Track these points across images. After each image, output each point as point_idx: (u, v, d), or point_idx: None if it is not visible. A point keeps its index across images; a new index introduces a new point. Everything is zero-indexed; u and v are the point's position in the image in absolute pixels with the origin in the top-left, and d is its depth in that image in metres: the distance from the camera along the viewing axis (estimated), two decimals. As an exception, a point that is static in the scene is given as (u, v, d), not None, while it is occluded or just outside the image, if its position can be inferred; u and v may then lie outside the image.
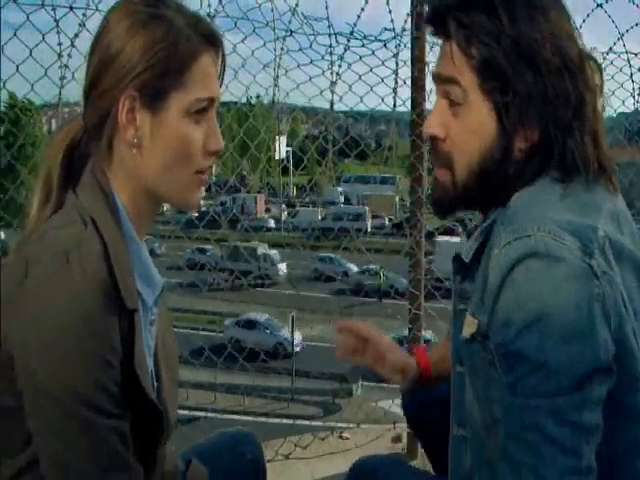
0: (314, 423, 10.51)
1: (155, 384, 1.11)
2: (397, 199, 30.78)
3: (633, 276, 1.00)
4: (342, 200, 33.43)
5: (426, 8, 1.13)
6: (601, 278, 0.93)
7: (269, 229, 30.11)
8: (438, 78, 1.07)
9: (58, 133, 1.10)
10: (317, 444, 2.80)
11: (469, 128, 1.04)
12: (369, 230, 28.69)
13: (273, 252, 26.27)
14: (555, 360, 0.90)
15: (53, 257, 0.91)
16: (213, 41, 1.04)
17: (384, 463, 1.46)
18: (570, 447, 0.90)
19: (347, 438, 2.97)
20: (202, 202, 1.16)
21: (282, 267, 26.41)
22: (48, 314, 0.88)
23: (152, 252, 1.27)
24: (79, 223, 0.96)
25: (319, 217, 28.10)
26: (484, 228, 1.08)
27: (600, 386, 0.92)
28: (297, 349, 21.10)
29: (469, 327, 1.05)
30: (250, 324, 21.09)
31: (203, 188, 1.08)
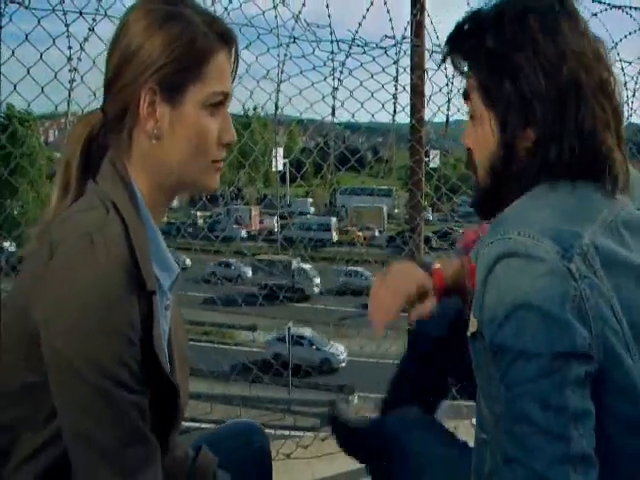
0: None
1: (169, 368, 1.15)
2: (385, 211, 30.98)
3: (635, 285, 1.01)
4: (312, 211, 33.78)
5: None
6: (579, 280, 0.95)
7: (242, 239, 30.19)
8: (464, 95, 1.19)
9: (76, 126, 1.15)
10: (317, 444, 2.83)
11: (480, 135, 1.15)
12: (335, 240, 29.02)
13: (308, 266, 25.79)
14: (533, 345, 0.93)
15: (77, 239, 0.95)
16: (227, 39, 1.10)
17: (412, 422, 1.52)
18: (557, 433, 0.91)
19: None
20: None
21: (317, 281, 25.74)
22: (73, 293, 0.92)
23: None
24: (101, 207, 1.01)
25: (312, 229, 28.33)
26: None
27: (578, 368, 0.93)
28: (342, 364, 20.99)
29: (472, 326, 1.09)
30: (296, 339, 20.66)
31: (219, 174, 1.13)
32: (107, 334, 0.93)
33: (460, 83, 1.21)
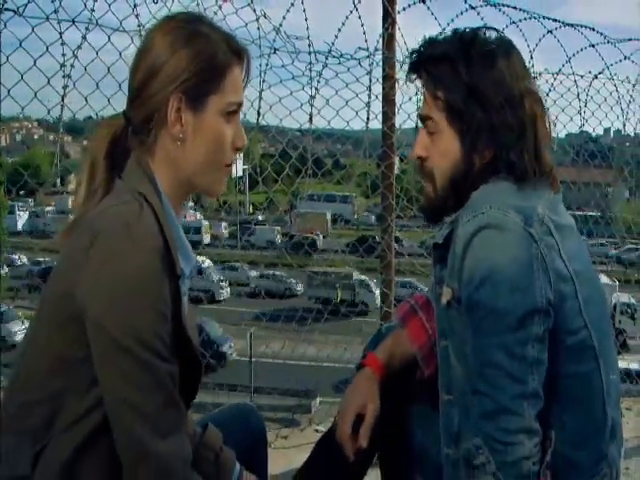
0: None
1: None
2: (329, 217, 31.06)
3: (574, 241, 1.32)
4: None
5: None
6: (539, 242, 1.22)
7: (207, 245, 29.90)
8: (420, 117, 1.40)
9: (100, 129, 1.27)
10: (296, 435, 2.96)
11: (441, 151, 1.36)
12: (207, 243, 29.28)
13: (365, 277, 23.62)
14: (503, 305, 1.19)
15: (118, 228, 1.08)
16: (242, 55, 1.25)
17: None
18: (518, 376, 1.18)
19: (322, 432, 3.11)
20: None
21: (378, 294, 24.19)
22: (116, 275, 1.05)
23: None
24: (134, 201, 1.14)
25: (277, 236, 28.18)
26: (454, 218, 1.36)
27: (539, 326, 1.20)
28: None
29: (445, 296, 1.33)
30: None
31: (227, 179, 1.28)
32: (147, 311, 1.06)
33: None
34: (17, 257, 26.63)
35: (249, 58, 1.27)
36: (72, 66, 2.23)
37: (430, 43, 1.37)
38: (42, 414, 1.11)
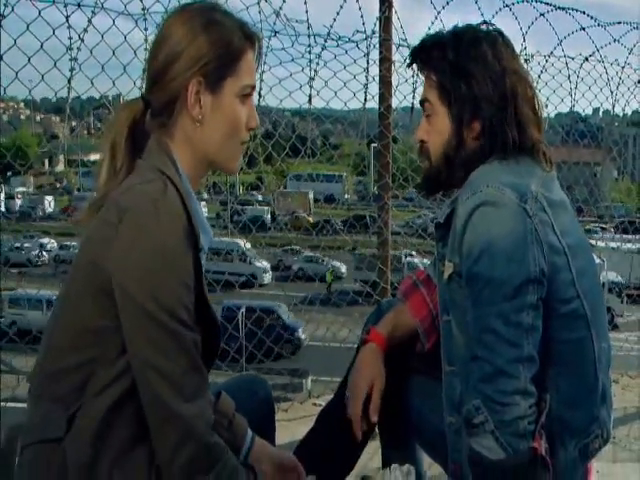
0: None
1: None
2: (311, 196, 30.78)
3: (567, 216, 1.41)
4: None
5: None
6: (533, 217, 1.31)
7: None
8: (420, 102, 1.53)
9: (120, 112, 1.33)
10: (296, 408, 3.05)
11: (435, 128, 1.48)
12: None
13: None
14: (500, 275, 1.29)
15: (145, 203, 1.15)
16: (254, 40, 1.32)
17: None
18: (514, 341, 1.28)
19: (320, 405, 3.19)
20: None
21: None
22: (144, 247, 1.12)
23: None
24: (159, 179, 1.21)
25: (267, 215, 28.00)
26: (453, 199, 1.47)
27: (533, 294, 1.29)
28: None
29: (447, 271, 1.43)
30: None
31: (241, 156, 1.36)
32: (173, 282, 1.14)
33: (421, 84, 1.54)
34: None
35: (261, 43, 1.35)
36: (79, 49, 2.27)
37: (428, 36, 1.51)
38: (73, 381, 1.18)
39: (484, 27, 1.49)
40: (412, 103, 3.07)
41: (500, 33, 1.48)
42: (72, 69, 2.28)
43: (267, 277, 24.98)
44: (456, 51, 1.42)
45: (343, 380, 1.78)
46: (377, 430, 1.76)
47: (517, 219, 1.30)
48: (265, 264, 24.78)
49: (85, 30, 2.27)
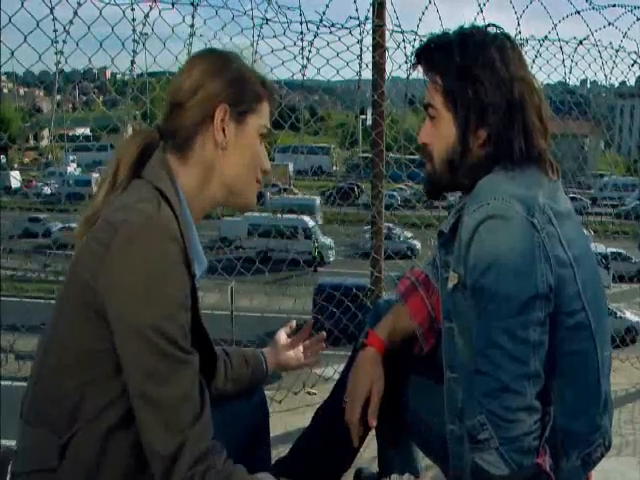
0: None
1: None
2: (291, 168, 30.58)
3: (572, 226, 1.39)
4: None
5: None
6: (541, 231, 1.28)
7: None
8: (424, 106, 1.48)
9: (133, 136, 1.33)
10: (290, 399, 3.04)
11: (440, 132, 1.44)
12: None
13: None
14: (506, 290, 1.26)
15: (138, 221, 1.11)
16: (272, 93, 1.37)
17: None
18: (520, 358, 1.26)
19: (314, 393, 3.20)
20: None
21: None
22: (137, 264, 1.09)
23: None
24: (154, 197, 1.18)
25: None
26: (459, 207, 1.45)
27: (540, 311, 1.27)
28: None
29: (452, 281, 1.41)
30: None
31: (257, 193, 1.38)
32: (167, 301, 1.10)
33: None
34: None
35: (276, 101, 1.42)
36: (64, 42, 2.20)
37: (434, 36, 1.47)
38: (67, 406, 1.15)
39: (491, 29, 1.45)
40: (406, 92, 3.03)
41: (508, 37, 1.45)
42: (57, 62, 2.22)
43: (332, 254, 24.08)
44: (463, 55, 1.39)
45: (339, 381, 1.79)
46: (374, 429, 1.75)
47: (525, 233, 1.28)
48: (330, 241, 23.75)
49: (71, 22, 2.20)
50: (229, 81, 1.29)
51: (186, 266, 1.15)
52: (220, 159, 1.29)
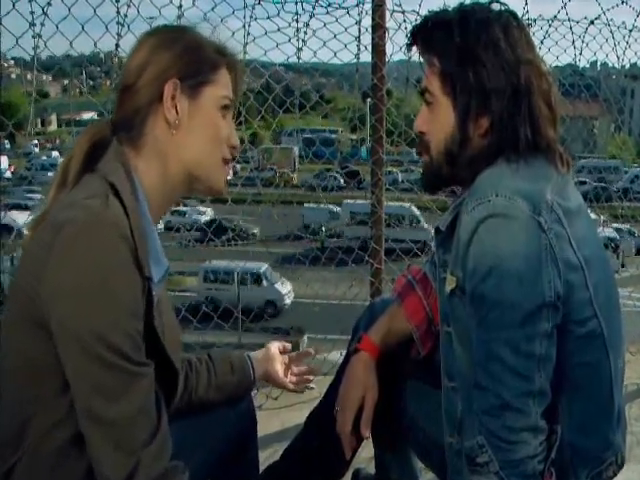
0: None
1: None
2: (296, 151, 30.28)
3: (583, 224, 1.26)
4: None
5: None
6: (548, 231, 1.15)
7: None
8: (420, 91, 1.35)
9: (85, 131, 1.20)
10: (287, 395, 2.95)
11: (437, 120, 1.30)
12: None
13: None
14: (509, 298, 1.13)
15: (81, 219, 0.99)
16: (229, 58, 1.22)
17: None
18: (524, 373, 1.14)
19: (312, 388, 3.12)
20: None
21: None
22: (79, 265, 0.96)
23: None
24: (103, 192, 1.05)
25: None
26: (457, 203, 1.31)
27: (547, 322, 1.15)
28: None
29: (450, 284, 1.28)
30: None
31: (226, 175, 1.23)
32: (116, 306, 0.98)
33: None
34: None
35: (237, 64, 1.25)
36: (42, 25, 2.09)
37: (431, 14, 1.32)
38: (11, 426, 1.05)
39: (495, 6, 1.30)
40: (407, 76, 2.90)
41: (513, 15, 1.30)
42: (36, 47, 2.10)
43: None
44: (464, 34, 1.25)
45: (332, 385, 1.68)
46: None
47: (530, 234, 1.14)
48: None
49: (49, 3, 2.08)
50: (179, 53, 1.15)
51: (138, 268, 1.02)
52: (175, 141, 1.15)
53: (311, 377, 1.69)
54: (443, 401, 1.40)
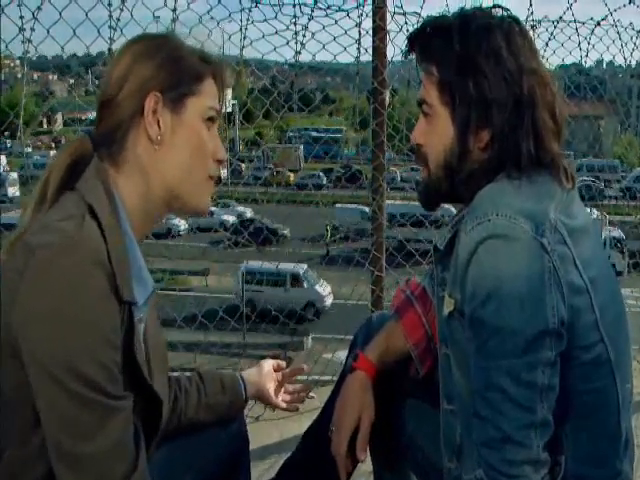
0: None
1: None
2: (301, 150, 30.24)
3: (590, 242, 1.19)
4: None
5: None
6: (551, 253, 1.09)
7: None
8: (418, 102, 1.29)
9: (63, 148, 1.14)
10: (286, 405, 2.90)
11: (435, 132, 1.24)
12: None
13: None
14: (510, 324, 1.07)
15: (57, 241, 0.93)
16: (214, 67, 1.16)
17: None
18: (525, 405, 1.08)
19: (312, 397, 3.07)
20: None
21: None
22: (51, 293, 0.91)
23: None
24: (80, 215, 0.99)
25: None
26: (456, 220, 1.25)
27: (550, 350, 1.08)
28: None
29: (447, 307, 1.22)
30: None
31: (211, 194, 1.17)
32: (90, 336, 0.92)
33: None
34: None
35: (223, 72, 1.18)
36: (32, 29, 2.04)
37: (430, 19, 1.26)
38: None
39: (497, 12, 1.23)
40: (408, 80, 2.84)
41: (516, 20, 1.23)
42: (26, 52, 2.05)
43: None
44: (464, 42, 1.18)
45: (328, 402, 1.62)
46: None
47: (532, 256, 1.08)
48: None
49: (39, 8, 2.03)
50: (160, 63, 1.09)
51: (116, 294, 0.96)
52: (158, 157, 1.09)
53: (303, 394, 1.64)
54: (442, 424, 1.34)
